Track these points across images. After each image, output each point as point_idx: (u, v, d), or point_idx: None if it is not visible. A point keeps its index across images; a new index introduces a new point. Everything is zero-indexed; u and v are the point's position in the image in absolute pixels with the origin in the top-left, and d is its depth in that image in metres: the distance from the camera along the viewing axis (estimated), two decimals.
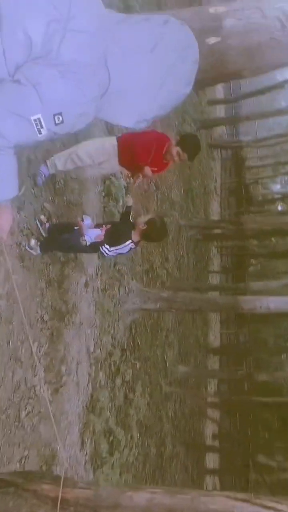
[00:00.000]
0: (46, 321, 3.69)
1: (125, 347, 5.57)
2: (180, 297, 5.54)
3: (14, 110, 1.13)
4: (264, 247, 19.13)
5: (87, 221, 3.31)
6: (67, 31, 1.10)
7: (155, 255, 7.55)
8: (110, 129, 4.69)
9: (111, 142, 3.53)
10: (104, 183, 4.93)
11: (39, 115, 1.13)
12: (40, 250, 3.46)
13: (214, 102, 17.74)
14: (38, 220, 3.58)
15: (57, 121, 1.16)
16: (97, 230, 3.30)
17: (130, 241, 3.36)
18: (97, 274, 4.68)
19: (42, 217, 3.60)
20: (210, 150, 18.82)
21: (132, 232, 3.38)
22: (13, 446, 3.12)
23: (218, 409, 12.43)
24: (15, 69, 1.11)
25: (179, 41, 1.25)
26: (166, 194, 8.90)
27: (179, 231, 10.52)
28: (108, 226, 3.44)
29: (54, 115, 1.14)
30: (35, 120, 1.14)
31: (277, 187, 27.12)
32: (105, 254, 3.37)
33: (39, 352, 3.57)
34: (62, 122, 1.16)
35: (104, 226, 3.48)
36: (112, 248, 3.33)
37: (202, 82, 12.72)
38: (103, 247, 3.31)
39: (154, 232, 3.40)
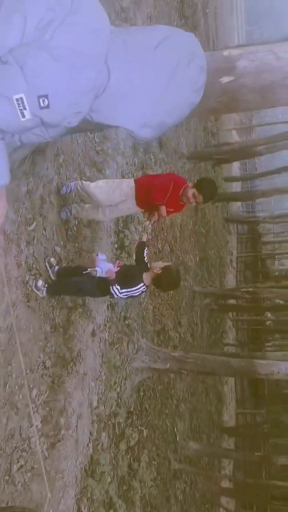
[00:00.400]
0: (48, 367, 3.51)
1: (132, 410, 5.22)
2: (191, 357, 5.28)
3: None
4: (281, 323, 18.63)
5: (102, 257, 3.27)
6: (67, 22, 1.12)
7: (167, 317, 7.37)
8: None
9: (129, 184, 3.63)
10: (118, 235, 4.98)
11: (22, 95, 1.11)
12: (46, 292, 3.40)
13: (230, 179, 18.43)
14: (48, 263, 3.56)
15: (42, 104, 1.12)
16: (110, 264, 3.23)
17: (143, 284, 3.24)
18: (105, 325, 4.54)
19: (52, 259, 3.59)
20: (227, 224, 19.23)
21: (144, 274, 3.28)
22: (0, 504, 2.81)
23: (233, 498, 11.26)
24: (6, 53, 1.13)
25: (184, 44, 1.28)
26: (181, 258, 8.91)
27: (193, 297, 10.37)
28: (121, 263, 3.39)
29: (39, 97, 1.11)
30: (17, 100, 1.11)
31: None
32: (115, 296, 3.26)
33: (38, 400, 3.35)
34: (47, 106, 1.13)
35: (117, 262, 3.44)
36: (123, 290, 3.21)
37: (220, 160, 13.33)
38: (113, 287, 3.20)
39: (167, 280, 3.29)
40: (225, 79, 2.25)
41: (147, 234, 4.15)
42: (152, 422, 6.06)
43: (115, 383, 4.72)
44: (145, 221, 4.67)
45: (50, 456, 3.36)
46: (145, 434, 5.60)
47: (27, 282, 3.24)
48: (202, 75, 1.34)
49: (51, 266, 3.54)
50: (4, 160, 1.27)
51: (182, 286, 8.98)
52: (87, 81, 1.16)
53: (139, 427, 5.39)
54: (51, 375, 3.52)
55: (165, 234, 7.56)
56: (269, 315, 19.09)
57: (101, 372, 4.33)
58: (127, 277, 3.25)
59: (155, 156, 6.66)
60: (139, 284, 3.22)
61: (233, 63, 2.24)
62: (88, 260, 3.58)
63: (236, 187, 19.56)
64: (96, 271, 3.12)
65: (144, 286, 3.27)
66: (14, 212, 2.84)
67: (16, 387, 3.12)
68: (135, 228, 5.24)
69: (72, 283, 3.52)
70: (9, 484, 2.94)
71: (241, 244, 22.38)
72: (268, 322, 19.71)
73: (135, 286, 3.22)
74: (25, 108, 1.12)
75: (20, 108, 1.12)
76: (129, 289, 3.22)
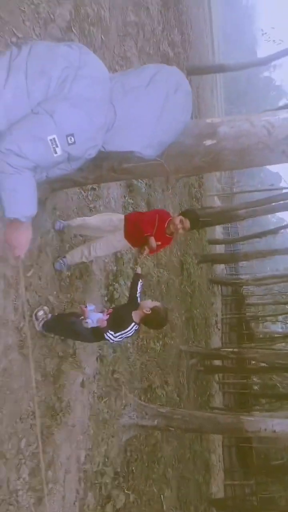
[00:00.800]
0: (37, 417, 3.47)
1: (119, 470, 5.03)
2: (179, 414, 5.22)
3: (34, 133, 1.37)
4: (267, 387, 18.35)
5: (90, 307, 3.37)
6: (78, 75, 1.41)
7: (154, 375, 7.31)
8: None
9: (119, 217, 3.90)
10: (108, 288, 5.13)
11: (54, 135, 1.37)
12: (42, 327, 3.45)
13: (213, 242, 19.06)
14: (35, 315, 3.55)
15: (69, 141, 1.38)
16: (99, 314, 3.33)
17: (134, 323, 3.33)
18: (94, 378, 4.53)
19: (40, 313, 3.56)
20: (211, 285, 19.55)
21: (133, 313, 3.39)
22: None
23: None
24: (36, 106, 1.40)
25: (169, 77, 1.57)
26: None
27: (180, 356, 10.32)
28: (110, 310, 3.49)
29: (67, 136, 1.38)
30: (51, 140, 1.37)
31: (278, 326, 27.23)
32: (111, 341, 3.32)
33: (26, 451, 3.28)
34: (74, 142, 1.39)
35: (106, 310, 3.54)
36: (117, 334, 3.28)
37: (204, 223, 13.93)
38: (107, 333, 3.27)
39: (156, 320, 3.40)
40: (208, 142, 2.56)
41: (141, 267, 4.32)
42: (138, 487, 5.80)
43: (102, 439, 4.61)
44: (138, 256, 4.87)
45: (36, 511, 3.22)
46: (131, 499, 5.35)
47: (21, 329, 3.31)
48: (189, 98, 1.62)
49: (37, 318, 3.54)
50: (34, 193, 1.48)
51: (168, 345, 9.00)
52: (99, 120, 1.44)
53: (125, 490, 5.16)
54: (39, 425, 3.47)
55: (152, 291, 7.72)
56: (254, 378, 18.87)
57: (89, 426, 4.25)
58: (118, 321, 3.34)
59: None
60: (131, 324, 3.32)
61: (215, 129, 2.58)
62: (79, 310, 3.68)
63: (219, 249, 20.15)
64: (87, 322, 3.22)
65: (137, 326, 3.37)
66: (14, 258, 3.00)
67: (6, 436, 3.08)
68: (125, 282, 5.41)
69: (69, 324, 3.57)
70: None
71: (226, 306, 22.63)
72: (255, 387, 19.41)
73: (128, 328, 3.30)
74: (57, 146, 1.37)
75: (53, 146, 1.37)
76: (123, 332, 3.30)
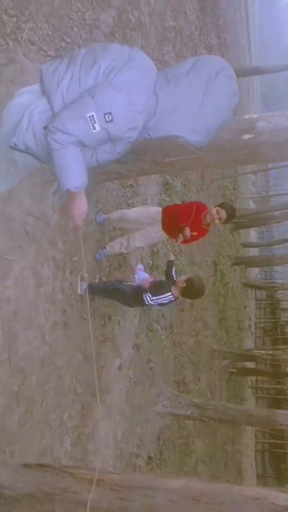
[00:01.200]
0: (79, 393, 3.72)
1: (152, 456, 5.22)
2: (212, 404, 5.34)
3: (76, 112, 1.59)
4: None
5: (140, 267, 3.66)
6: (126, 66, 1.62)
7: (187, 370, 7.46)
8: None
9: (157, 209, 4.12)
10: None
11: (93, 113, 1.57)
12: (88, 290, 3.67)
13: (247, 245, 18.92)
14: (80, 276, 3.76)
15: (107, 119, 1.58)
16: (146, 274, 3.68)
17: (171, 294, 3.61)
18: (130, 364, 4.74)
19: (85, 274, 3.76)
20: (245, 289, 19.39)
21: (173, 287, 3.66)
22: None
23: None
24: (84, 91, 1.62)
25: (209, 63, 1.70)
26: (200, 314, 9.12)
27: (212, 356, 10.37)
28: (155, 278, 3.77)
29: (105, 114, 1.57)
30: (90, 117, 1.57)
31: None
32: (147, 302, 3.59)
33: (68, 423, 3.53)
34: (111, 120, 1.58)
35: (152, 275, 3.82)
36: (153, 298, 3.57)
37: (238, 225, 13.87)
38: (145, 295, 3.57)
39: (192, 290, 3.64)
40: (246, 136, 2.73)
41: (173, 254, 4.52)
42: (170, 476, 5.96)
43: (137, 423, 4.82)
44: (173, 241, 5.05)
45: None
46: None
47: (65, 311, 3.58)
48: (233, 82, 1.71)
49: (82, 278, 3.76)
50: (81, 166, 1.69)
51: (201, 342, 9.11)
52: (139, 104, 1.62)
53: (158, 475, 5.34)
54: (81, 401, 3.72)
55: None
56: None
57: (125, 408, 4.47)
58: (157, 288, 3.67)
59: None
60: (167, 293, 3.61)
61: (253, 124, 2.74)
62: (128, 270, 3.93)
63: (253, 253, 19.94)
64: (134, 277, 3.49)
65: (172, 296, 3.64)
66: (63, 243, 3.28)
67: (52, 407, 3.34)
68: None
69: (113, 286, 3.86)
70: None
71: (260, 310, 22.34)
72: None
73: (164, 295, 3.60)
74: (95, 122, 1.58)
75: (92, 123, 1.58)
76: (158, 297, 3.60)
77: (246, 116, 2.85)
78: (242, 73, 14.88)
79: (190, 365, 7.84)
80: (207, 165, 2.93)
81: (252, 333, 20.31)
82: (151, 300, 3.55)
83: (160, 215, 4.01)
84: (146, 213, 4.12)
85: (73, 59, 1.67)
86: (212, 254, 11.73)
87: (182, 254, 7.33)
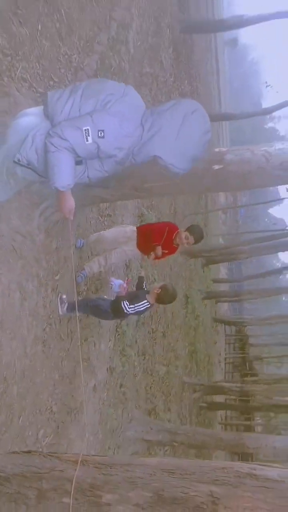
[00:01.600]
0: (54, 412, 3.80)
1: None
2: (182, 429, 5.46)
3: (75, 124, 1.89)
4: (271, 428, 18.01)
5: (113, 278, 4.05)
6: (120, 100, 1.94)
7: (158, 399, 7.53)
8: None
9: (131, 228, 4.45)
10: None
11: (88, 127, 1.87)
12: (68, 309, 3.87)
13: (218, 281, 19.44)
14: (60, 298, 3.92)
15: (99, 135, 1.88)
16: (120, 280, 4.00)
17: (146, 301, 3.94)
18: (104, 386, 4.85)
19: (64, 296, 3.96)
20: (215, 324, 19.73)
21: (147, 295, 3.98)
22: None
23: None
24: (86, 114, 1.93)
25: (186, 104, 2.04)
26: (171, 345, 9.29)
27: (183, 388, 10.46)
28: (129, 279, 4.23)
29: (98, 130, 1.88)
30: (85, 130, 1.87)
31: (282, 369, 26.90)
32: (125, 310, 3.83)
33: (43, 441, 3.59)
34: (103, 137, 1.88)
35: (126, 278, 4.06)
36: (131, 306, 3.84)
37: (208, 260, 14.38)
38: (123, 302, 3.83)
39: (167, 296, 3.97)
40: (216, 167, 3.10)
41: (143, 271, 4.86)
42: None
43: (109, 447, 4.86)
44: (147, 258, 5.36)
45: None
46: None
47: (45, 329, 3.72)
48: (205, 120, 2.03)
49: (61, 302, 3.94)
50: (70, 169, 1.95)
51: (172, 373, 9.23)
52: (128, 129, 1.94)
53: None
54: (56, 420, 3.80)
55: (159, 317, 8.08)
56: (258, 420, 18.56)
57: (98, 430, 4.54)
58: (133, 296, 3.98)
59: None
60: (143, 301, 3.93)
61: (222, 156, 3.12)
62: (104, 284, 4.19)
63: (223, 286, 20.44)
64: (111, 284, 3.92)
65: (148, 303, 3.95)
66: (46, 262, 3.48)
67: (28, 422, 3.41)
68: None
69: (92, 302, 4.12)
70: None
71: (229, 345, 22.65)
72: (258, 428, 19.04)
73: (140, 303, 3.91)
74: (89, 135, 1.87)
75: (86, 135, 1.87)
76: (135, 305, 3.88)
77: (216, 149, 3.23)
78: (213, 118, 15.93)
79: (161, 394, 7.92)
80: (181, 191, 3.26)
81: (222, 368, 20.49)
82: (129, 308, 3.80)
83: (135, 234, 4.31)
84: (122, 232, 4.42)
85: (75, 90, 1.98)
86: (184, 287, 12.06)
87: (154, 283, 7.59)
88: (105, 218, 5.55)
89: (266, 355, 23.58)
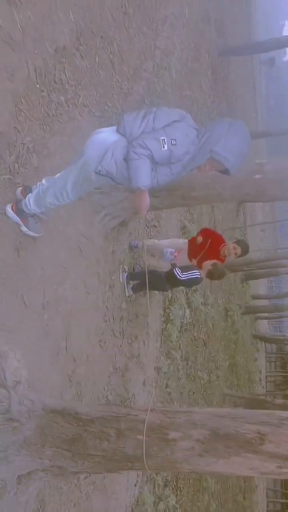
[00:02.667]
0: (110, 400, 4.19)
1: (169, 479, 5.50)
2: None
3: (153, 136, 2.34)
4: None
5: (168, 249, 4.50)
6: (182, 122, 2.39)
7: (200, 405, 7.76)
8: None
9: (184, 241, 4.89)
10: (165, 310, 5.90)
11: (164, 137, 2.32)
12: (129, 278, 4.46)
13: (257, 297, 19.38)
14: (126, 277, 4.54)
15: (173, 143, 2.33)
16: (172, 249, 4.48)
17: (197, 271, 4.28)
18: (151, 383, 5.20)
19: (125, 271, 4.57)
20: (255, 340, 19.57)
21: (200, 270, 4.32)
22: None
23: None
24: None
25: (233, 121, 2.46)
26: (212, 355, 9.50)
27: (223, 400, 10.56)
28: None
29: (172, 139, 2.33)
30: (162, 139, 2.32)
31: None
32: (178, 277, 4.21)
33: None
34: (175, 144, 2.33)
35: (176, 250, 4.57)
36: (184, 273, 4.21)
37: (248, 276, 14.49)
38: (176, 269, 4.22)
39: (216, 272, 4.32)
40: (257, 176, 3.48)
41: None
42: (185, 504, 6.15)
43: None
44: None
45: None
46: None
47: (104, 321, 4.14)
48: (245, 130, 2.46)
49: (127, 282, 4.52)
50: (149, 173, 2.40)
51: (213, 383, 9.40)
52: (192, 138, 2.38)
53: (175, 501, 5.56)
54: (105, 403, 4.18)
55: (200, 326, 8.37)
56: None
57: None
58: (186, 267, 4.34)
59: None
60: (195, 270, 4.28)
61: (262, 167, 3.50)
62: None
63: (263, 302, 20.26)
64: (164, 251, 4.37)
65: (199, 274, 4.28)
66: (105, 262, 3.94)
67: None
68: (179, 307, 6.19)
69: (148, 269, 4.45)
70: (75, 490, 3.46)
71: (270, 363, 22.28)
72: None
73: (192, 271, 4.26)
74: (165, 143, 2.32)
75: (162, 143, 2.32)
76: (188, 272, 4.23)
77: (257, 161, 3.62)
78: (251, 135, 16.27)
79: (203, 402, 8.14)
80: (223, 199, 3.65)
81: (263, 387, 20.17)
82: (182, 275, 4.18)
83: (187, 245, 4.71)
84: (175, 242, 4.84)
85: (148, 112, 2.47)
86: (224, 300, 12.26)
87: (196, 292, 7.92)
88: (151, 229, 6.00)
89: None
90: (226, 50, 13.06)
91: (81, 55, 4.37)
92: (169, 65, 7.80)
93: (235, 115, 17.35)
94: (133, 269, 4.77)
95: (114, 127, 2.60)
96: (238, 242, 4.75)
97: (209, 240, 4.76)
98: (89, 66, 4.53)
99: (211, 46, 12.82)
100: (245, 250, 4.73)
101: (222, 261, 4.81)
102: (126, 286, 4.44)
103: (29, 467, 2.14)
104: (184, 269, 4.28)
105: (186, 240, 4.83)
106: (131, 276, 4.54)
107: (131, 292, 4.54)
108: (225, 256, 4.71)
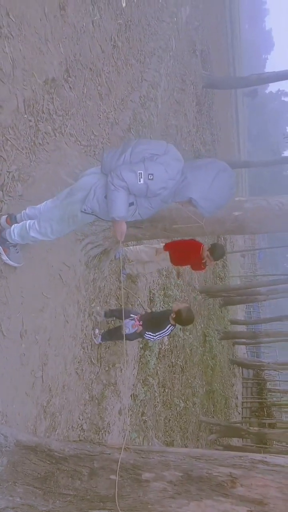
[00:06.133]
0: (85, 430, 4.14)
1: None
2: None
3: (131, 168, 2.38)
4: None
5: (126, 321, 4.21)
6: (164, 156, 2.45)
7: (176, 433, 7.69)
8: None
9: (159, 245, 5.13)
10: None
11: (141, 171, 2.37)
12: (101, 339, 4.34)
13: (235, 322, 19.52)
14: (93, 333, 4.43)
15: (149, 177, 2.38)
16: (131, 321, 4.15)
17: (170, 325, 4.11)
18: (128, 411, 5.15)
19: (97, 331, 4.45)
20: (232, 366, 19.61)
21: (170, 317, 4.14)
22: None
23: None
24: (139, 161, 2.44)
25: (221, 164, 2.54)
26: (189, 381, 9.47)
27: (199, 427, 10.49)
28: (139, 316, 4.29)
29: (149, 174, 2.37)
30: (139, 173, 2.37)
31: None
32: (152, 339, 4.13)
33: None
34: (152, 179, 2.38)
35: (137, 316, 4.28)
36: (156, 334, 4.11)
37: (227, 301, 14.67)
38: (146, 334, 4.09)
39: (181, 321, 4.12)
40: (236, 213, 3.59)
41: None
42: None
43: None
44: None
45: None
46: None
47: (81, 350, 4.14)
48: (232, 178, 2.53)
49: (95, 335, 4.42)
50: (125, 204, 2.45)
51: (189, 410, 9.35)
52: (171, 174, 2.43)
53: None
54: (85, 437, 4.13)
55: (178, 352, 8.37)
56: None
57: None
58: (155, 323, 4.17)
59: (174, 280, 7.97)
60: (167, 326, 4.11)
61: (241, 204, 3.61)
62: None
63: (240, 329, 20.44)
64: (125, 329, 4.06)
65: (172, 326, 4.16)
66: (85, 290, 3.95)
67: (62, 436, 3.76)
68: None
69: (118, 331, 4.37)
70: None
71: (247, 389, 22.27)
72: None
73: (165, 329, 4.12)
74: (141, 177, 2.37)
75: (139, 177, 2.37)
76: (161, 331, 4.12)
77: (237, 198, 3.74)
78: (232, 165, 16.71)
79: (179, 429, 8.07)
80: (205, 233, 3.74)
81: (239, 413, 20.10)
82: (155, 336, 4.12)
83: (162, 250, 4.94)
84: (150, 248, 5.15)
85: (124, 149, 2.52)
86: (202, 325, 12.32)
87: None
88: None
89: (285, 401, 23.05)
90: (210, 83, 13.52)
91: (69, 86, 4.47)
92: (155, 96, 8.02)
93: (218, 144, 17.83)
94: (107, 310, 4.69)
95: (99, 168, 2.66)
96: (213, 246, 4.89)
97: (187, 251, 4.88)
98: (77, 96, 4.63)
99: (196, 78, 13.26)
100: (221, 253, 4.92)
101: (203, 269, 4.95)
102: (94, 338, 4.38)
103: None
104: (154, 328, 4.14)
105: (162, 245, 4.95)
106: (104, 337, 4.47)
107: (99, 341, 4.43)
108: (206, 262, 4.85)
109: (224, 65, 24.71)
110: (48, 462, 2.07)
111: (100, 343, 4.43)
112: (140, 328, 4.13)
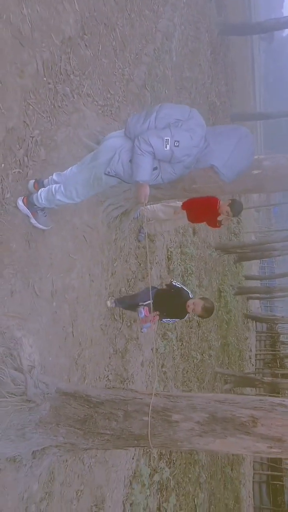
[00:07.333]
0: (111, 380, 4.44)
1: (163, 453, 5.83)
2: None
3: (158, 134, 2.45)
4: None
5: (141, 315, 4.12)
6: (188, 121, 2.49)
7: (193, 384, 8.10)
8: None
9: (177, 204, 5.08)
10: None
11: (168, 138, 2.43)
12: (115, 303, 4.44)
13: (250, 278, 19.69)
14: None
15: (175, 144, 2.44)
16: (148, 323, 4.08)
17: (187, 313, 4.11)
18: (149, 364, 5.46)
19: (108, 302, 4.46)
20: (246, 320, 20.02)
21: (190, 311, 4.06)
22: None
23: None
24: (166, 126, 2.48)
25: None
26: (205, 335, 9.81)
27: (215, 377, 10.95)
28: (155, 317, 4.10)
29: (175, 141, 2.44)
30: (166, 139, 2.43)
31: None
32: (170, 322, 4.35)
33: None
34: (178, 146, 2.44)
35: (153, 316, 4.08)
36: (173, 319, 4.28)
37: (241, 257, 14.77)
38: (164, 320, 4.21)
39: (206, 314, 4.03)
40: (256, 171, 3.62)
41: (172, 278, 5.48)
42: (178, 476, 6.53)
43: None
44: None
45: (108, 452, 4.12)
46: (172, 484, 6.09)
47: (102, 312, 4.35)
48: (252, 145, 2.59)
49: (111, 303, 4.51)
50: (149, 169, 2.53)
51: (206, 362, 9.76)
52: (196, 141, 2.48)
53: (169, 473, 5.92)
54: (113, 387, 4.43)
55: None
56: None
57: None
58: (173, 314, 4.19)
59: (191, 238, 8.09)
60: (185, 315, 4.17)
61: (260, 162, 3.63)
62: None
63: (255, 283, 20.63)
64: (143, 331, 4.25)
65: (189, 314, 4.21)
66: (108, 251, 4.11)
67: (90, 387, 4.05)
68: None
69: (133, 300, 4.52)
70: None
71: (260, 342, 22.84)
72: None
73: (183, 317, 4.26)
74: (167, 143, 2.44)
75: (165, 143, 2.44)
76: (177, 319, 4.31)
77: (256, 157, 3.76)
78: (249, 117, 16.23)
79: (196, 380, 8.48)
80: (224, 192, 3.79)
81: (253, 365, 20.75)
82: (173, 320, 4.29)
83: (181, 208, 4.94)
84: (167, 206, 5.11)
85: (148, 114, 2.57)
86: (217, 281, 12.54)
87: (192, 275, 8.15)
88: None
89: None
90: (225, 30, 12.90)
91: (85, 44, 4.41)
92: (169, 48, 7.77)
93: (233, 94, 17.23)
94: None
95: (122, 131, 2.72)
96: (233, 201, 4.85)
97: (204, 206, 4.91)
98: (93, 54, 4.57)
99: (211, 25, 12.65)
100: (239, 209, 4.91)
101: (219, 227, 5.04)
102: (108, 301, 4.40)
103: (44, 443, 2.37)
104: (172, 317, 4.20)
105: (179, 203, 4.99)
106: (118, 302, 4.48)
107: (113, 305, 4.43)
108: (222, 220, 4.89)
109: (240, 9, 23.35)
110: (86, 406, 2.31)
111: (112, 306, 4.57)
112: (155, 325, 4.13)
